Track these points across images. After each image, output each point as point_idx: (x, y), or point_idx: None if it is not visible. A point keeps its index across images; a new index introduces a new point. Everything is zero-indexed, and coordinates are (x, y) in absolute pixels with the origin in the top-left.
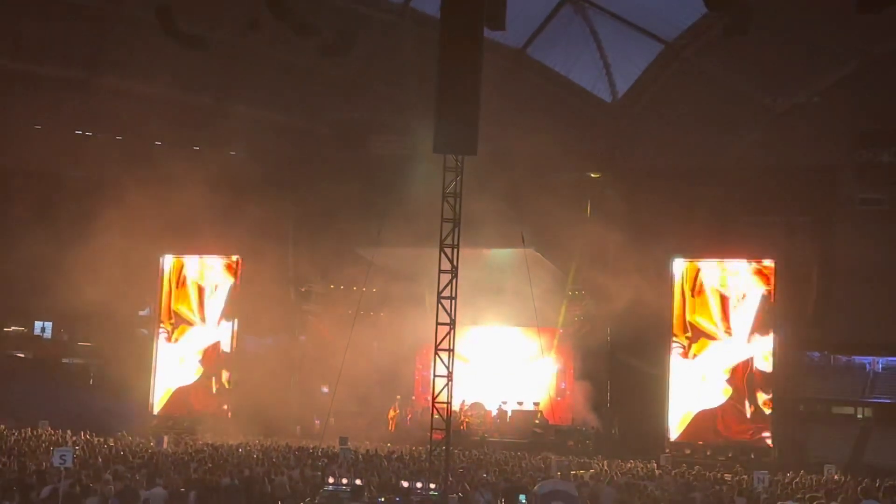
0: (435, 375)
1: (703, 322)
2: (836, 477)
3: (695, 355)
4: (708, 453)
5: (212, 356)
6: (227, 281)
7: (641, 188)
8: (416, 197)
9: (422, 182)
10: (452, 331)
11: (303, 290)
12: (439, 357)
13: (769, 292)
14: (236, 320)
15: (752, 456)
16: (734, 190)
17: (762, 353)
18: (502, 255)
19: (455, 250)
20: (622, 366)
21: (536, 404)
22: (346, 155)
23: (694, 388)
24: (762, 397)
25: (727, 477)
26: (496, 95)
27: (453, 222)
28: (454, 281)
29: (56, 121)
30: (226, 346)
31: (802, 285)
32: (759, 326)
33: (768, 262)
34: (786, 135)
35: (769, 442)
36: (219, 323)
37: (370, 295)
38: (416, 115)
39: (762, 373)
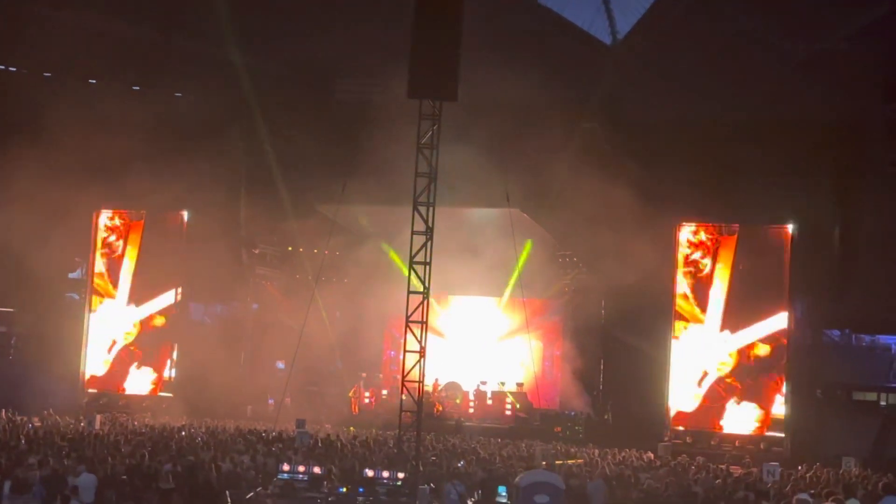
0: (405, 351)
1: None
2: (855, 471)
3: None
4: (713, 442)
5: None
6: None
7: (644, 143)
8: (386, 148)
9: (393, 131)
10: (426, 301)
11: (256, 251)
12: (410, 330)
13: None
14: (179, 288)
15: (762, 446)
16: (748, 147)
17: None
18: (484, 216)
19: (430, 209)
20: (617, 344)
21: (520, 385)
22: (308, 99)
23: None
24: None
25: (735, 470)
26: (479, 34)
27: (429, 177)
28: (429, 244)
29: None
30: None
31: (822, 254)
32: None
33: (788, 227)
34: (807, 86)
35: (781, 432)
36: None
37: (332, 258)
38: (388, 55)
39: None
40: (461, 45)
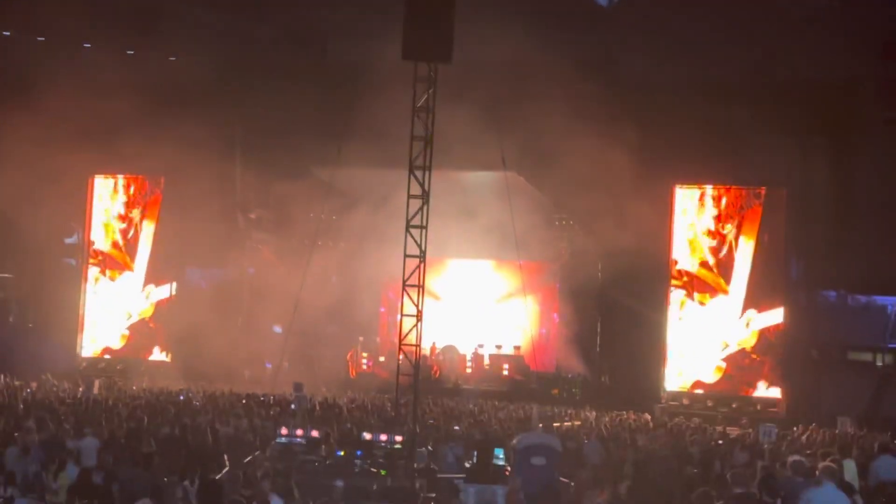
0: (402, 314)
1: (701, 269)
2: (850, 430)
3: (703, 303)
4: (709, 404)
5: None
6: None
7: (639, 103)
8: (382, 111)
9: (389, 93)
10: (422, 264)
11: (252, 216)
12: (407, 294)
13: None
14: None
15: (759, 407)
16: (743, 107)
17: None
18: (480, 179)
19: (427, 173)
20: (614, 306)
21: (517, 348)
22: (302, 62)
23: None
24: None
25: (731, 431)
26: None
27: (425, 140)
28: (425, 207)
29: None
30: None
31: (817, 215)
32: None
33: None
34: (802, 45)
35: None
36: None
37: (329, 222)
38: (383, 15)
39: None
40: (455, 6)
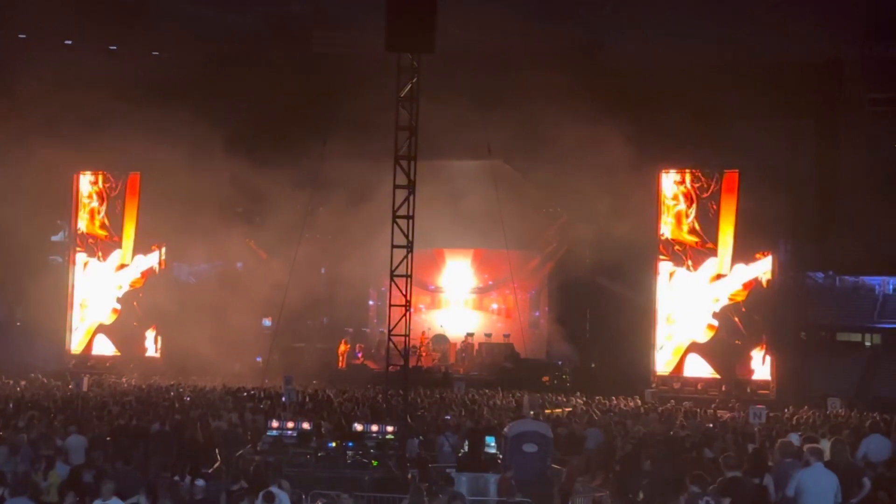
0: (391, 304)
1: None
2: (840, 411)
3: (693, 269)
4: (699, 387)
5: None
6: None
7: (624, 89)
8: (366, 102)
9: (374, 85)
10: (410, 254)
11: (238, 210)
12: (395, 283)
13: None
14: (164, 249)
15: (749, 390)
16: (729, 90)
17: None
18: (466, 168)
19: (412, 163)
20: (603, 292)
21: (506, 336)
22: (286, 54)
23: (682, 316)
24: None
25: (722, 414)
26: None
27: (410, 131)
28: (412, 198)
29: None
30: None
31: (804, 196)
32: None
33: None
34: (785, 27)
35: (767, 374)
36: (134, 252)
37: (317, 215)
38: (366, 7)
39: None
40: None
